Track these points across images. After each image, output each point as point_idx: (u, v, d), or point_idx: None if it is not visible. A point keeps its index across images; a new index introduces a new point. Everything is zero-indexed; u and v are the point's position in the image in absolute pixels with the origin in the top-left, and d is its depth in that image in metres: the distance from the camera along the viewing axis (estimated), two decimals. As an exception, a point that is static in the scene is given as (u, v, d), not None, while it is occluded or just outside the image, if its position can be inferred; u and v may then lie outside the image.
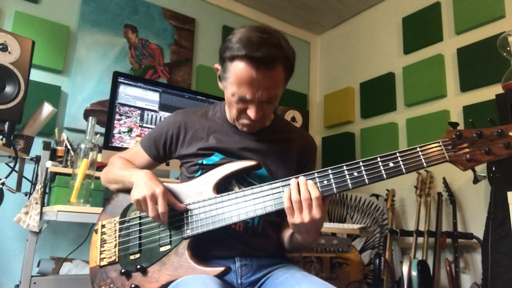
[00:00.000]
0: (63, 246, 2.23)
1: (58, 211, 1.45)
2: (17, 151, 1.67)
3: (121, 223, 1.10)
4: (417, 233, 2.45)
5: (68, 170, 1.76)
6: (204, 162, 1.13)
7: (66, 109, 2.39)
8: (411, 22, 2.94)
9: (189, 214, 1.04)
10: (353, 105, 3.31)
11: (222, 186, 1.07)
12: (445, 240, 2.35)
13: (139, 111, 2.03)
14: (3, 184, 1.71)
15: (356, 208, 2.81)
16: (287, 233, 1.12)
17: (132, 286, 1.01)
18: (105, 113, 2.24)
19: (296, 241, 1.08)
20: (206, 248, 1.06)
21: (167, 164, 2.02)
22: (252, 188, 1.01)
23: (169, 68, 2.83)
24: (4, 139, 1.67)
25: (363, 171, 0.93)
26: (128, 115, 1.99)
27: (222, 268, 0.97)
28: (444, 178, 2.48)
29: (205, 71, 2.92)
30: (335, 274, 2.59)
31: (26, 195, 1.87)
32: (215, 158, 1.13)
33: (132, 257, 1.05)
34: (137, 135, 2.01)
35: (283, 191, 0.97)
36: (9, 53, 1.67)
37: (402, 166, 0.91)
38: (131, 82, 2.02)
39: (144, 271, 1.02)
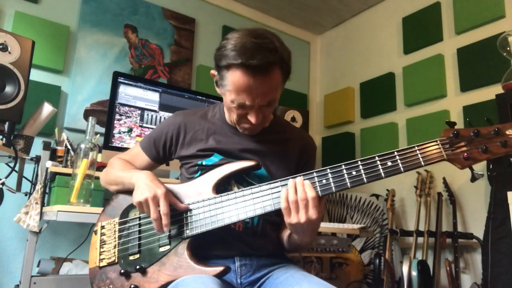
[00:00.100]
0: (63, 246, 2.23)
1: (58, 211, 1.45)
2: (17, 151, 1.67)
3: (120, 224, 1.10)
4: (417, 233, 2.45)
5: (68, 170, 1.76)
6: (204, 163, 1.13)
7: (66, 109, 2.39)
8: (411, 22, 2.94)
9: (189, 215, 1.04)
10: (353, 105, 3.31)
11: (222, 187, 1.07)
12: (445, 240, 2.35)
13: (139, 111, 2.03)
14: (3, 184, 1.71)
15: (356, 208, 2.81)
16: (285, 233, 1.12)
17: (132, 286, 1.01)
18: (105, 113, 2.24)
19: (294, 241, 1.09)
20: (206, 248, 1.06)
21: (167, 164, 2.02)
22: (251, 188, 1.01)
23: (169, 68, 2.83)
24: (4, 139, 1.67)
25: (362, 170, 0.93)
26: (128, 115, 1.99)
27: (221, 268, 0.97)
28: (444, 178, 2.48)
29: (205, 71, 2.92)
30: (335, 274, 2.59)
31: (26, 195, 1.87)
32: (215, 158, 1.13)
33: (131, 257, 1.05)
34: (137, 135, 2.01)
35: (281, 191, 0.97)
36: (9, 53, 1.67)
37: (400, 165, 0.92)
38: (131, 82, 2.02)
39: (143, 272, 1.02)
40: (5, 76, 1.66)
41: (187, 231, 1.02)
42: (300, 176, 0.97)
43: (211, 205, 1.03)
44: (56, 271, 1.94)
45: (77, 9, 2.55)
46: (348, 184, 0.94)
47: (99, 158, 1.82)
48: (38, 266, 1.88)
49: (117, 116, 1.96)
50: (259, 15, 3.42)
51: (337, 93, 3.46)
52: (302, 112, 2.59)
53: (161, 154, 1.20)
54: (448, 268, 2.20)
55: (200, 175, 1.11)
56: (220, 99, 1.12)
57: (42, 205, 1.69)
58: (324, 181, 0.95)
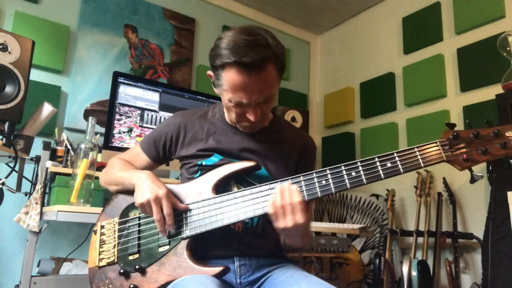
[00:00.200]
0: (63, 246, 2.23)
1: (58, 211, 1.45)
2: (17, 151, 1.67)
3: (120, 223, 1.10)
4: (417, 233, 2.45)
5: (68, 170, 1.76)
6: (204, 163, 1.13)
7: (66, 109, 2.39)
8: (411, 22, 2.94)
9: (188, 215, 1.04)
10: (353, 105, 3.31)
11: (221, 187, 1.07)
12: (445, 240, 2.35)
13: (139, 111, 2.03)
14: (3, 184, 1.71)
15: (356, 208, 2.81)
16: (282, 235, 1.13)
17: (131, 286, 1.01)
18: (105, 113, 2.24)
19: (285, 243, 1.11)
20: (205, 248, 1.06)
21: (167, 164, 2.02)
22: (251, 189, 1.01)
23: (169, 68, 2.83)
24: (4, 139, 1.67)
25: (361, 171, 0.94)
26: (128, 115, 1.99)
27: (220, 268, 0.97)
28: (444, 178, 2.48)
29: (205, 71, 2.90)
30: (335, 274, 2.59)
31: (26, 195, 1.87)
32: (214, 159, 1.13)
33: (131, 257, 1.05)
34: (137, 135, 2.01)
35: None
36: (9, 53, 1.67)
37: (400, 166, 0.92)
38: (131, 82, 2.02)
39: (143, 271, 1.02)
40: (5, 76, 1.66)
41: (187, 231, 1.02)
42: (288, 180, 0.98)
43: (210, 205, 1.03)
44: (56, 271, 1.94)
45: (77, 9, 2.55)
46: (348, 185, 0.94)
47: (99, 158, 1.82)
48: (38, 266, 1.88)
49: (117, 116, 1.96)
50: (259, 15, 3.42)
51: (337, 93, 3.46)
52: (302, 112, 2.59)
53: (161, 154, 1.20)
54: (448, 268, 2.20)
55: (200, 175, 1.11)
56: (220, 99, 1.12)
57: (42, 205, 1.69)
58: (323, 182, 0.96)
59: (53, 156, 1.88)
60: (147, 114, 2.05)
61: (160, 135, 1.20)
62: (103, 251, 1.09)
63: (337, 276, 2.58)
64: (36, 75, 2.29)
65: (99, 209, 1.36)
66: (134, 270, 1.03)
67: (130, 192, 1.10)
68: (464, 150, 0.90)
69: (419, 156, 0.91)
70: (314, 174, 0.97)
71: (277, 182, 1.00)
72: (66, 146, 1.89)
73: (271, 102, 1.07)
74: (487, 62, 2.41)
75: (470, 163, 0.90)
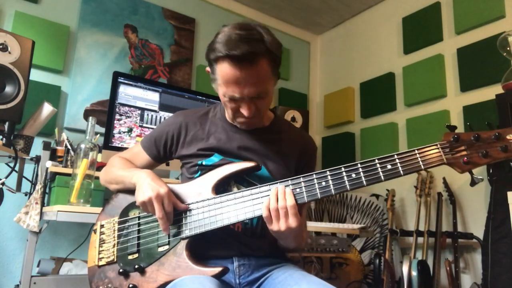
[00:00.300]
0: (63, 246, 2.24)
1: (58, 211, 1.45)
2: (17, 151, 1.67)
3: (120, 223, 1.10)
4: (417, 233, 2.45)
5: (68, 170, 1.76)
6: (204, 162, 1.13)
7: (66, 109, 2.39)
8: (411, 22, 2.94)
9: (188, 215, 1.04)
10: (353, 105, 3.31)
11: (221, 187, 1.07)
12: (445, 240, 2.35)
13: (139, 111, 2.03)
14: (3, 184, 1.71)
15: (356, 208, 2.81)
16: None
17: (130, 286, 1.01)
18: (105, 113, 2.24)
19: (279, 244, 1.11)
20: (204, 248, 1.06)
21: (167, 164, 2.02)
22: (251, 189, 1.01)
23: (169, 68, 2.83)
24: (4, 139, 1.67)
25: (361, 173, 0.94)
26: (128, 115, 1.99)
27: (220, 269, 0.97)
28: (444, 178, 2.48)
29: (205, 71, 2.91)
30: (335, 274, 2.59)
31: (26, 195, 1.87)
32: (215, 158, 1.13)
33: (130, 257, 1.05)
34: (137, 135, 2.01)
35: None
36: (9, 53, 1.68)
37: (400, 168, 0.92)
38: (131, 82, 2.02)
39: (142, 271, 1.02)
40: (5, 76, 1.66)
41: (186, 231, 1.03)
42: (287, 181, 0.98)
43: (210, 206, 1.03)
44: (56, 271, 1.94)
45: (77, 9, 2.55)
46: (348, 186, 0.94)
47: (99, 158, 1.82)
48: (38, 266, 1.88)
49: (117, 116, 1.96)
50: (259, 15, 3.42)
51: (337, 93, 3.46)
52: (302, 112, 2.59)
53: (161, 153, 1.20)
54: (448, 268, 2.20)
55: (200, 175, 1.11)
56: (220, 99, 1.12)
57: (42, 205, 1.69)
58: (323, 183, 0.96)
59: (53, 156, 1.88)
60: (147, 114, 2.05)
61: (161, 134, 1.20)
62: (102, 250, 1.09)
63: (337, 276, 2.58)
64: (36, 75, 2.29)
65: (99, 209, 1.36)
66: (134, 270, 1.03)
67: (130, 191, 1.10)
68: (464, 152, 0.90)
69: (419, 159, 0.91)
70: (314, 175, 0.97)
71: (277, 183, 1.00)
72: (66, 146, 1.89)
73: (266, 98, 1.07)
74: (487, 62, 2.41)
75: (471, 166, 0.90)
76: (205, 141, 1.15)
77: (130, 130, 1.99)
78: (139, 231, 1.07)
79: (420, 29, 2.86)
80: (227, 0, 3.25)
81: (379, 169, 0.93)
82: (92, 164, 1.59)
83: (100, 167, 1.70)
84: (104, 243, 1.10)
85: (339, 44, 3.59)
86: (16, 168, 1.78)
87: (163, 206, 1.00)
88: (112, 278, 1.05)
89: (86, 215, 1.49)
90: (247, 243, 1.08)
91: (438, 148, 0.91)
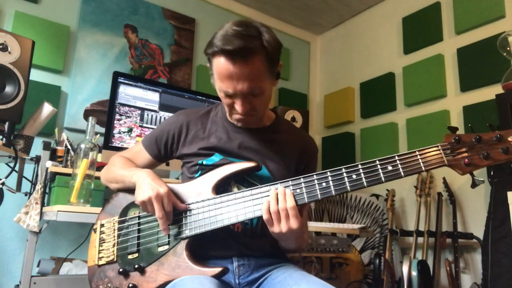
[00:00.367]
0: (63, 246, 2.24)
1: (58, 211, 1.45)
2: (17, 151, 1.67)
3: (120, 222, 1.10)
4: (417, 233, 2.45)
5: (68, 170, 1.76)
6: (204, 162, 1.13)
7: (66, 109, 2.39)
8: (411, 22, 2.94)
9: (188, 215, 1.04)
10: (353, 105, 3.31)
11: (221, 187, 1.07)
12: (445, 240, 2.35)
13: (139, 111, 2.03)
14: (3, 184, 1.71)
15: (356, 208, 2.81)
16: None
17: (130, 285, 1.01)
18: (105, 113, 2.24)
19: (280, 245, 1.11)
20: (204, 248, 1.06)
21: (167, 164, 2.02)
22: (251, 190, 1.01)
23: (169, 68, 2.83)
24: (4, 139, 1.67)
25: (362, 174, 0.94)
26: (128, 115, 1.99)
27: (219, 269, 0.97)
28: (444, 178, 2.48)
29: (205, 71, 2.91)
30: (335, 274, 2.59)
31: (26, 195, 1.87)
32: (215, 158, 1.13)
33: (130, 256, 1.05)
34: (137, 135, 2.01)
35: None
36: (9, 53, 1.68)
37: (401, 169, 0.92)
38: (131, 82, 2.02)
39: (142, 271, 1.02)
40: (5, 76, 1.66)
41: (186, 231, 1.02)
42: (281, 183, 0.98)
43: (210, 206, 1.03)
44: (56, 271, 1.94)
45: (77, 9, 2.55)
46: (348, 187, 0.94)
47: (99, 158, 1.82)
48: (38, 266, 1.88)
49: (117, 116, 1.96)
50: (259, 15, 3.42)
51: (337, 93, 3.46)
52: (302, 112, 2.59)
53: (162, 152, 1.20)
54: (448, 268, 2.20)
55: (200, 175, 1.11)
56: (219, 99, 1.12)
57: (42, 205, 1.69)
58: (324, 184, 0.96)
59: (53, 156, 1.88)
60: (147, 114, 2.05)
61: (162, 133, 1.20)
62: (102, 249, 1.09)
63: (337, 276, 2.58)
64: (36, 75, 2.29)
65: (99, 209, 1.36)
66: (133, 269, 1.03)
67: (130, 190, 1.10)
68: (465, 154, 0.90)
69: (420, 160, 0.91)
70: (314, 176, 0.97)
71: (277, 183, 1.00)
72: (66, 146, 1.89)
73: (261, 97, 1.06)
74: (487, 62, 2.41)
75: (472, 168, 0.89)
76: (206, 140, 1.15)
77: (130, 130, 1.99)
78: (139, 230, 1.07)
79: (420, 29, 2.86)
80: (227, 0, 3.25)
81: (380, 170, 0.93)
82: (92, 164, 1.59)
83: (100, 167, 1.71)
84: (104, 242, 1.10)
85: (339, 44, 3.59)
86: (16, 168, 1.78)
87: (163, 206, 1.00)
88: (112, 277, 1.05)
89: (86, 215, 1.49)
90: (246, 243, 1.08)
91: (439, 150, 0.91)
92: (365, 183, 0.93)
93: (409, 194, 2.75)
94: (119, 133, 1.96)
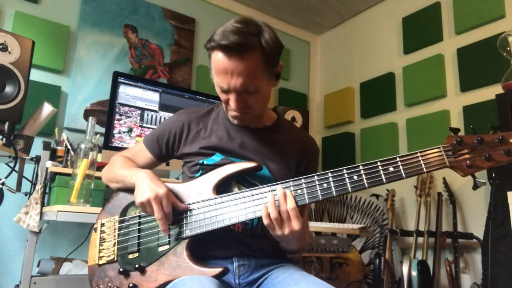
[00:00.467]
0: (63, 246, 2.23)
1: (58, 211, 1.45)
2: (17, 151, 1.67)
3: (120, 222, 1.10)
4: (417, 233, 2.45)
5: (68, 170, 1.76)
6: (205, 162, 1.13)
7: (66, 109, 2.39)
8: (411, 22, 2.94)
9: (188, 215, 1.04)
10: (353, 105, 3.31)
11: (222, 187, 1.07)
12: (445, 240, 2.35)
13: (139, 111, 2.03)
14: (3, 184, 1.71)
15: (356, 208, 2.81)
16: None
17: (130, 285, 1.01)
18: (105, 113, 2.24)
19: (282, 246, 1.11)
20: (204, 248, 1.06)
21: (167, 164, 2.02)
22: (252, 190, 1.01)
23: (169, 68, 2.83)
24: (4, 139, 1.67)
25: (363, 175, 0.93)
26: (128, 115, 1.99)
27: (220, 269, 0.97)
28: (444, 178, 2.48)
29: (205, 71, 2.91)
30: (335, 274, 2.59)
31: (26, 195, 1.87)
32: (216, 158, 1.13)
33: (130, 256, 1.05)
34: (137, 135, 2.01)
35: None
36: (9, 53, 1.68)
37: (402, 170, 0.91)
38: (131, 82, 2.02)
39: (142, 271, 1.02)
40: (5, 76, 1.66)
41: (187, 231, 1.02)
42: (282, 184, 0.98)
43: (211, 206, 1.03)
44: (56, 271, 1.94)
45: (77, 9, 2.55)
46: (349, 188, 0.94)
47: (99, 158, 1.82)
48: (38, 266, 1.88)
49: (117, 116, 1.96)
50: (259, 15, 3.42)
51: (337, 93, 3.46)
52: (302, 112, 2.59)
53: (163, 151, 1.20)
54: (448, 268, 2.20)
55: (201, 174, 1.11)
56: (219, 99, 1.12)
57: (42, 205, 1.69)
58: (325, 185, 0.95)
59: (53, 156, 1.88)
60: (147, 114, 2.05)
61: (163, 132, 1.20)
62: (103, 249, 1.09)
63: (337, 276, 2.58)
64: (36, 75, 2.29)
65: (99, 209, 1.36)
66: (134, 269, 1.03)
67: (131, 190, 1.10)
68: (467, 156, 0.89)
69: (421, 161, 0.91)
70: (315, 176, 0.97)
71: (278, 184, 0.99)
72: (66, 146, 1.89)
73: (256, 95, 1.06)
74: (487, 62, 2.41)
75: (474, 170, 0.89)
76: (207, 139, 1.15)
77: (130, 130, 1.99)
78: (139, 230, 1.07)
79: (420, 29, 2.86)
80: (227, 0, 3.25)
81: (381, 171, 0.92)
82: (92, 164, 1.59)
83: (100, 167, 1.71)
84: (104, 241, 1.10)
85: (339, 44, 3.59)
86: (16, 168, 1.78)
87: (162, 207, 1.00)
88: (113, 277, 1.05)
89: (86, 215, 1.49)
90: (247, 243, 1.08)
91: (440, 151, 0.91)
92: (366, 184, 0.93)
93: (409, 194, 2.75)
94: (119, 133, 1.96)
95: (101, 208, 1.18)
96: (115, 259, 1.06)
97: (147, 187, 1.01)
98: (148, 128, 2.04)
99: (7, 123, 1.68)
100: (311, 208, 2.80)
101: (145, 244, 1.05)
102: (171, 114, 1.87)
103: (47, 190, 1.83)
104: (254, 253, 1.09)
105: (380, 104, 3.06)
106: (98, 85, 2.51)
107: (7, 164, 1.85)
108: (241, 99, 1.05)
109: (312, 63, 3.75)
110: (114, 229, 1.10)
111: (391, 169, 0.92)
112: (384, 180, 0.92)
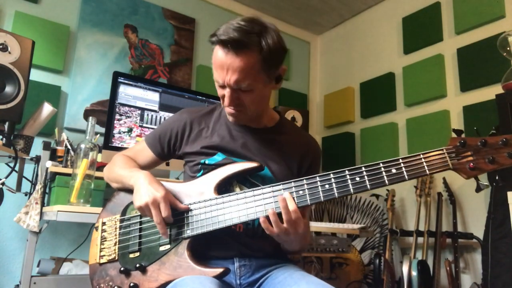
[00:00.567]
0: (63, 246, 2.23)
1: (58, 211, 1.45)
2: (17, 151, 1.67)
3: (121, 221, 1.10)
4: (417, 233, 2.45)
5: (68, 170, 1.76)
6: (207, 161, 1.12)
7: (66, 109, 2.39)
8: (411, 22, 2.94)
9: (190, 215, 1.04)
10: (353, 105, 3.31)
11: (223, 187, 1.07)
12: (445, 240, 2.35)
13: (139, 111, 2.03)
14: (3, 184, 1.71)
15: (356, 208, 2.81)
16: None
17: (131, 284, 1.01)
18: (105, 113, 2.24)
19: (283, 247, 1.11)
20: (205, 248, 1.06)
21: (167, 164, 2.02)
22: (253, 190, 1.01)
23: (169, 68, 2.83)
24: (4, 139, 1.67)
25: (366, 177, 0.93)
26: (128, 115, 1.99)
27: (221, 270, 0.97)
28: (444, 178, 2.48)
29: (205, 71, 2.92)
30: (335, 274, 2.59)
31: (26, 195, 1.87)
32: (218, 158, 1.12)
33: (131, 255, 1.05)
34: (137, 135, 2.01)
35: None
36: (9, 53, 1.67)
37: (405, 172, 0.91)
38: (131, 82, 2.02)
39: (143, 270, 1.02)
40: (5, 76, 1.66)
41: (188, 231, 1.02)
42: (284, 185, 0.98)
43: (212, 206, 1.02)
44: (56, 271, 1.93)
45: (77, 9, 2.55)
46: (351, 190, 0.93)
47: (99, 158, 1.82)
48: (38, 266, 1.87)
49: (117, 116, 1.96)
50: (259, 15, 3.39)
51: (337, 93, 3.46)
52: (302, 112, 2.59)
53: (165, 150, 1.20)
54: (448, 268, 2.20)
55: (203, 174, 1.11)
56: (219, 99, 1.11)
57: (42, 205, 1.69)
58: (327, 186, 0.95)
59: (53, 156, 1.87)
60: (147, 114, 2.05)
61: (165, 131, 1.20)
62: (104, 248, 1.09)
63: (337, 276, 2.58)
64: (36, 75, 2.28)
65: (99, 209, 1.36)
66: (135, 269, 1.02)
67: (131, 190, 1.10)
68: (471, 158, 0.89)
69: (424, 163, 0.90)
70: (317, 177, 0.97)
71: (279, 184, 0.99)
72: (66, 146, 1.89)
73: (250, 93, 1.05)
74: (487, 62, 2.41)
75: (477, 172, 0.88)
76: (209, 139, 1.15)
77: (130, 130, 1.99)
78: (140, 229, 1.07)
79: (420, 29, 2.86)
80: (227, 0, 3.25)
81: (384, 173, 0.92)
82: (92, 164, 1.59)
83: (100, 167, 1.71)
84: (105, 240, 1.09)
85: (339, 44, 3.59)
86: (16, 168, 1.78)
87: (160, 211, 0.99)
88: (113, 276, 1.04)
89: (86, 215, 1.48)
90: (247, 243, 1.08)
91: (444, 153, 0.90)
92: (368, 186, 0.92)
93: (409, 194, 2.75)
94: (119, 133, 1.96)
95: (101, 208, 1.18)
96: (116, 258, 1.06)
97: (144, 191, 1.01)
98: (148, 128, 2.04)
99: (7, 123, 1.68)
100: (311, 208, 2.80)
101: (146, 244, 1.05)
102: (171, 114, 1.87)
103: (47, 190, 1.83)
104: (254, 253, 1.09)
105: (380, 104, 3.06)
106: (98, 85, 2.50)
107: (7, 164, 1.84)
108: (235, 96, 1.05)
109: (312, 63, 3.75)
110: (115, 228, 1.10)
111: (394, 171, 0.92)
112: (386, 182, 0.92)
